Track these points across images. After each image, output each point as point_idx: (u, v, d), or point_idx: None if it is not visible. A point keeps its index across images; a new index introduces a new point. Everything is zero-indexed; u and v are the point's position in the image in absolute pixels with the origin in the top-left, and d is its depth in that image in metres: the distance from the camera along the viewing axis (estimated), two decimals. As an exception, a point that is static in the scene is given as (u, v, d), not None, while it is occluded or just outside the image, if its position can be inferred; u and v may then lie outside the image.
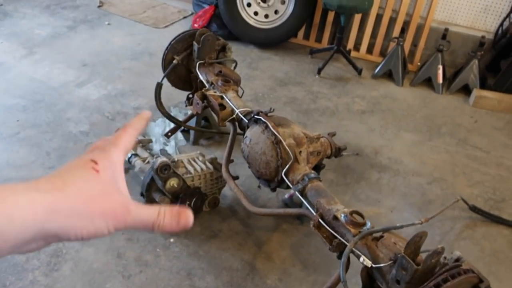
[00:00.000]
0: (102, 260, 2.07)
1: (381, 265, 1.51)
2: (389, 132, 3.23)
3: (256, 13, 4.14)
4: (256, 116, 2.05)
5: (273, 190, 2.10)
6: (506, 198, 2.73)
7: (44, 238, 0.46)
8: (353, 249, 1.56)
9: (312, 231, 1.71)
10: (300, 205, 2.45)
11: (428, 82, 3.88)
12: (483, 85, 3.72)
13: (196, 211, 2.25)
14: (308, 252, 2.24)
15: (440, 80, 3.75)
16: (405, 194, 2.66)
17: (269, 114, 2.08)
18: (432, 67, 3.78)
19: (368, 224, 1.65)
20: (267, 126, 1.98)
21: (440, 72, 3.73)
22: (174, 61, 2.62)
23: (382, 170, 2.83)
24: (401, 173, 2.83)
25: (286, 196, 2.49)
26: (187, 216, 0.55)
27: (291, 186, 1.90)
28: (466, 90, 3.80)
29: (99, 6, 4.82)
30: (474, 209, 2.50)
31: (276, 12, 4.14)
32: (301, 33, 4.38)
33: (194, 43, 2.58)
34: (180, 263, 2.10)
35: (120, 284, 1.98)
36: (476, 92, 3.65)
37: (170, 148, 2.85)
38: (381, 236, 1.60)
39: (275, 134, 1.93)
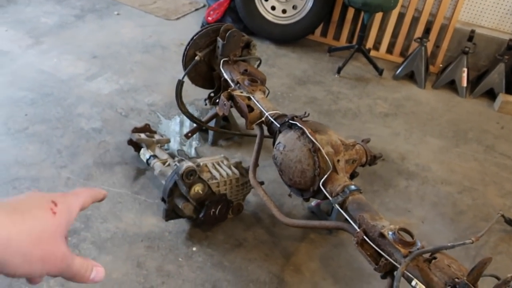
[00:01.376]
0: (122, 270, 1.93)
1: (437, 290, 1.38)
2: (414, 136, 3.10)
3: (273, 8, 3.99)
4: (291, 121, 1.91)
5: (307, 200, 1.96)
6: (540, 211, 2.61)
7: None
8: (405, 271, 1.44)
9: (348, 244, 1.59)
10: (328, 213, 2.33)
11: (451, 85, 3.75)
12: (509, 90, 3.60)
13: (221, 219, 2.11)
14: (339, 265, 2.12)
15: (465, 83, 3.62)
16: (436, 203, 2.54)
17: (303, 119, 1.94)
18: (457, 69, 3.65)
19: (418, 244, 1.53)
20: (303, 132, 1.84)
21: (465, 75, 3.60)
22: (196, 58, 2.47)
23: (410, 177, 2.71)
24: (430, 181, 2.70)
25: (313, 203, 2.36)
26: (101, 273, 0.60)
27: (329, 198, 1.77)
28: (490, 95, 3.68)
29: (108, -4, 4.65)
30: (510, 222, 2.39)
31: (294, 7, 3.98)
32: (318, 30, 4.24)
33: (219, 39, 2.43)
34: (204, 274, 1.97)
35: (141, 297, 1.84)
36: (502, 97, 3.53)
37: (187, 148, 2.71)
38: (434, 257, 1.48)
39: (312, 141, 1.79)
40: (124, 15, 4.32)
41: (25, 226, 0.50)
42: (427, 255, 1.49)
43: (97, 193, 0.66)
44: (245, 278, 1.98)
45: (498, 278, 1.49)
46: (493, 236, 2.38)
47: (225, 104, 2.18)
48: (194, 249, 2.08)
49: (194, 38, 2.51)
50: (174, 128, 2.89)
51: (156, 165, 2.27)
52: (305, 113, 1.99)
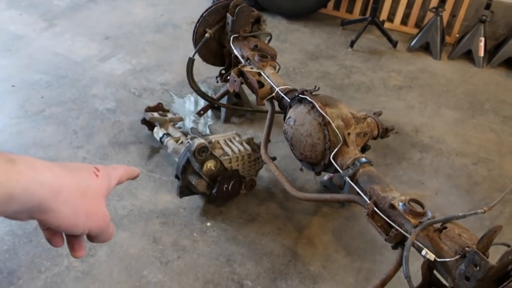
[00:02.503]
0: (138, 246, 1.99)
1: (447, 259, 1.39)
2: (429, 109, 3.06)
3: (284, -18, 3.93)
4: (300, 95, 1.90)
5: (318, 174, 1.98)
6: (557, 181, 2.57)
7: (33, 212, 0.50)
8: (415, 241, 1.45)
9: (360, 216, 1.60)
10: (340, 187, 2.33)
11: (468, 55, 3.66)
12: (528, 59, 3.50)
13: (234, 195, 2.14)
14: (351, 237, 2.14)
15: (482, 53, 3.53)
16: (450, 175, 2.52)
17: (313, 93, 1.94)
18: (474, 39, 3.56)
19: (429, 214, 1.53)
20: (313, 106, 1.84)
21: (482, 44, 3.52)
22: (206, 35, 2.46)
23: (424, 150, 2.69)
24: (444, 153, 2.68)
25: (326, 177, 2.37)
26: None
27: (340, 171, 1.77)
28: (508, 64, 3.59)
29: (118, -24, 4.63)
30: (526, 192, 2.36)
31: (305, -20, 3.92)
32: (331, 4, 4.16)
33: (228, 15, 2.42)
34: (218, 248, 2.01)
35: (158, 271, 1.90)
36: (521, 66, 3.44)
37: (200, 126, 2.73)
38: (444, 227, 1.48)
39: (322, 115, 1.79)
40: (135, -5, 4.32)
41: (75, 180, 0.54)
42: (438, 225, 1.49)
43: (132, 171, 0.69)
44: (259, 251, 2.02)
45: (508, 246, 1.49)
46: (508, 206, 2.36)
47: (235, 80, 2.18)
48: (208, 224, 2.12)
49: (204, 15, 2.50)
50: (187, 106, 2.91)
51: (170, 143, 2.30)
52: (315, 87, 1.98)
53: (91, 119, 2.69)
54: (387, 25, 3.98)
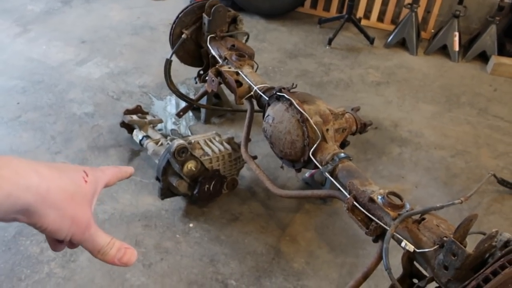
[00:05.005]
0: (120, 249, 1.96)
1: (426, 250, 1.41)
2: (407, 103, 3.10)
3: (261, -18, 3.94)
4: (278, 93, 1.91)
5: (298, 171, 1.98)
6: (533, 169, 2.63)
7: (18, 215, 0.49)
8: (394, 233, 1.46)
9: (342, 212, 1.61)
10: (322, 183, 2.35)
11: (443, 50, 3.73)
12: (502, 52, 3.58)
13: (216, 195, 2.14)
14: (334, 233, 2.15)
15: (457, 47, 3.60)
16: (429, 168, 2.56)
17: (291, 90, 1.95)
18: (448, 34, 3.62)
19: (407, 206, 1.55)
20: (291, 104, 1.85)
21: (457, 39, 3.58)
22: (183, 36, 2.45)
23: (403, 144, 2.72)
24: (423, 146, 2.72)
25: (307, 175, 2.38)
26: (131, 255, 0.58)
27: (319, 166, 1.78)
28: (483, 57, 3.66)
29: (93, -21, 4.58)
30: (502, 182, 2.41)
31: (282, -20, 3.93)
32: (308, 2, 4.19)
33: (204, 15, 2.41)
34: (201, 249, 2.01)
35: (141, 274, 1.88)
36: (495, 59, 3.51)
37: (181, 128, 2.72)
38: (423, 219, 1.50)
39: (300, 112, 1.80)
40: (111, -2, 4.28)
41: (62, 182, 0.53)
42: (416, 217, 1.51)
43: (123, 172, 0.67)
44: (242, 250, 2.02)
45: (484, 234, 1.52)
46: (486, 196, 2.41)
47: (213, 80, 2.17)
48: (191, 225, 2.11)
49: (180, 16, 2.49)
50: (166, 108, 2.90)
51: (149, 145, 2.29)
52: (293, 84, 1.99)
53: (69, 124, 2.66)
54: (364, 22, 4.02)
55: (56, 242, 0.57)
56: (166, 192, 2.09)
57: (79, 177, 0.56)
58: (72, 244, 0.57)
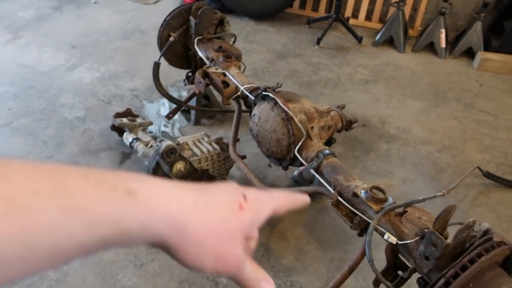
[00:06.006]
0: (112, 250, 1.99)
1: (407, 241, 1.44)
2: (395, 100, 3.14)
3: (249, -17, 3.98)
4: (263, 93, 1.95)
5: (285, 168, 2.02)
6: (518, 162, 2.68)
7: (153, 244, 0.43)
8: (377, 226, 1.50)
9: (330, 208, 1.65)
10: (311, 181, 2.38)
11: (430, 47, 3.77)
12: (487, 47, 3.63)
13: (205, 194, 2.16)
14: (322, 229, 2.19)
15: (443, 44, 3.64)
16: (416, 163, 2.60)
17: (277, 90, 1.98)
18: (435, 31, 3.66)
19: (390, 200, 1.58)
20: (276, 103, 1.88)
21: (443, 36, 3.62)
22: (171, 39, 2.48)
23: (391, 140, 2.76)
24: (410, 142, 2.76)
25: (296, 173, 2.42)
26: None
27: (305, 163, 1.82)
28: (469, 54, 3.71)
29: (83, -16, 4.61)
30: (488, 175, 2.45)
31: (270, -19, 3.97)
32: (296, 3, 4.23)
33: (191, 18, 2.45)
34: (192, 248, 2.03)
35: (133, 274, 1.91)
36: (481, 55, 3.56)
37: (171, 130, 2.75)
38: (405, 211, 1.54)
39: (285, 111, 1.84)
40: (101, 3, 4.31)
41: (207, 215, 0.45)
42: (399, 210, 1.55)
43: (297, 200, 0.57)
44: (233, 248, 2.05)
45: (462, 224, 1.55)
46: (472, 189, 2.45)
47: (200, 82, 2.21)
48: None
49: (167, 19, 2.52)
50: (157, 110, 2.92)
51: (139, 147, 2.32)
52: (278, 83, 2.03)
53: (60, 128, 2.68)
54: (352, 21, 4.06)
55: None
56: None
57: (233, 203, 0.47)
58: None
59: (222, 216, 0.46)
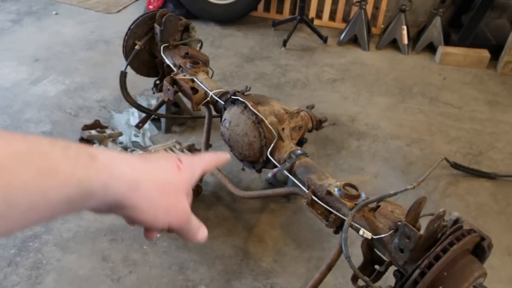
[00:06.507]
0: (87, 266, 1.95)
1: (382, 235, 1.47)
2: (363, 98, 3.20)
3: (213, -11, 3.98)
4: (233, 97, 1.95)
5: (259, 171, 2.02)
6: (483, 151, 2.77)
7: (111, 207, 0.48)
8: (352, 222, 1.52)
9: (306, 208, 1.66)
10: (285, 182, 2.40)
11: (394, 44, 3.86)
12: (447, 42, 3.74)
13: (180, 202, 2.15)
14: (299, 229, 2.20)
15: (405, 40, 3.74)
16: (387, 158, 2.65)
17: (246, 93, 1.99)
18: (396, 28, 3.76)
19: (363, 195, 1.61)
20: (246, 106, 1.89)
21: (405, 32, 3.72)
22: (136, 47, 2.45)
23: (361, 137, 2.81)
24: (380, 138, 2.82)
25: (270, 175, 2.40)
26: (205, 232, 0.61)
27: (278, 165, 1.83)
28: (431, 48, 3.82)
29: (43, -4, 4.51)
30: (455, 166, 2.53)
31: (233, -15, 3.98)
32: (261, 6, 4.25)
33: (156, 25, 2.42)
34: (170, 258, 2.01)
35: (110, 288, 1.88)
36: (442, 49, 3.67)
37: (142, 139, 2.71)
38: (378, 206, 1.57)
39: (255, 114, 1.85)
40: (63, 14, 4.22)
41: (153, 174, 0.51)
42: (372, 205, 1.58)
43: (220, 158, 0.65)
44: (211, 255, 2.04)
45: (433, 215, 1.59)
46: (442, 180, 2.52)
47: (169, 89, 2.19)
48: (158, 235, 2.10)
49: (131, 27, 2.49)
50: (126, 120, 2.88)
51: (110, 159, 2.27)
52: (247, 87, 2.03)
53: (26, 144, 2.60)
54: (316, 22, 4.12)
55: (149, 231, 0.57)
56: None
57: (172, 165, 0.55)
58: (175, 232, 0.57)
59: (166, 175, 0.53)
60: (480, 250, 1.36)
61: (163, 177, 0.53)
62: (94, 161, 0.45)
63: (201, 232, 0.59)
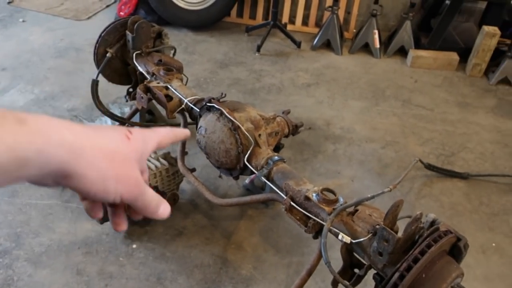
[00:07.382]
0: (61, 281, 1.89)
1: (361, 239, 1.47)
2: (337, 102, 3.23)
3: (184, -6, 3.95)
4: (208, 104, 1.93)
5: (236, 178, 2.00)
6: (455, 152, 2.83)
7: (56, 177, 0.45)
8: (331, 227, 1.52)
9: (285, 214, 1.65)
10: (262, 188, 2.39)
11: (366, 48, 3.92)
12: (418, 45, 3.82)
13: (157, 212, 2.11)
14: (278, 235, 2.19)
15: (377, 44, 3.80)
16: (362, 161, 2.68)
17: (221, 100, 1.97)
18: (368, 32, 3.81)
19: (341, 200, 1.61)
20: (222, 113, 1.87)
21: (376, 36, 3.78)
22: (108, 55, 2.41)
23: (337, 141, 2.83)
24: (355, 141, 2.84)
25: (247, 181, 2.41)
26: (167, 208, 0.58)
27: (255, 172, 1.82)
28: (402, 52, 3.89)
29: (9, 2, 4.39)
30: (429, 167, 2.57)
31: (205, -9, 3.97)
32: (234, 11, 4.25)
33: (127, 32, 2.38)
34: (147, 268, 1.97)
35: (86, 303, 1.82)
36: (412, 53, 3.74)
37: (115, 148, 2.66)
38: (356, 210, 1.57)
39: (231, 120, 1.83)
40: (30, 21, 4.11)
41: (100, 141, 0.49)
42: (350, 209, 1.58)
43: (177, 133, 0.63)
44: (189, 264, 2.01)
45: (410, 217, 1.61)
46: (416, 182, 2.55)
47: (142, 97, 2.15)
48: (134, 246, 2.07)
49: (102, 35, 2.44)
50: (99, 130, 2.82)
51: (83, 169, 2.22)
52: (222, 94, 2.02)
53: (-6, 156, 2.51)
54: (289, 27, 4.14)
55: (94, 207, 0.55)
56: (105, 215, 2.03)
57: (120, 135, 0.52)
58: (132, 211, 0.55)
59: (113, 143, 0.51)
60: (456, 251, 1.38)
61: (110, 145, 0.50)
62: (23, 125, 0.42)
63: (162, 207, 0.56)
